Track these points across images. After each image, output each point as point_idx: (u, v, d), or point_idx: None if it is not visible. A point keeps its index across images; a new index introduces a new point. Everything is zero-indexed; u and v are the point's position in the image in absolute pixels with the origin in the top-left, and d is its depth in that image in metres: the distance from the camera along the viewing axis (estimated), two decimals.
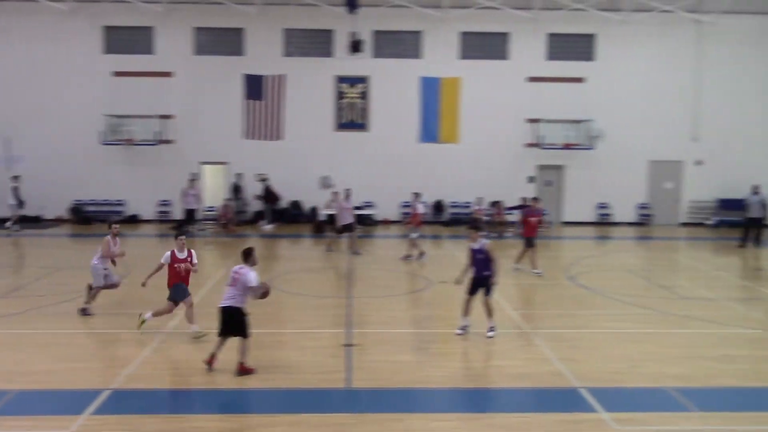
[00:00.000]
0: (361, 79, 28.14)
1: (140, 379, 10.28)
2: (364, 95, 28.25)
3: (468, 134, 26.83)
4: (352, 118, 28.36)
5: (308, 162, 27.93)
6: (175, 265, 12.33)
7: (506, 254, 22.29)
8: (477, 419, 9.13)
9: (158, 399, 9.73)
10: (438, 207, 28.26)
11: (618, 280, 18.15)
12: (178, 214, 26.74)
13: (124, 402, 9.50)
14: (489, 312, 12.69)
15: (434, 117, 27.54)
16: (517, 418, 9.24)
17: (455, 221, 27.92)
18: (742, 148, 28.42)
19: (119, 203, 28.14)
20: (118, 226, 14.27)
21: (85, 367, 10.86)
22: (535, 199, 19.27)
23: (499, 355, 11.77)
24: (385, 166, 27.82)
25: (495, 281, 12.70)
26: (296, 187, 28.02)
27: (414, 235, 20.58)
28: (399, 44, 28.39)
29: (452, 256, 21.26)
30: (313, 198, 27.77)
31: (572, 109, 27.70)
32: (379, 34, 28.00)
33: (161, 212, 28.13)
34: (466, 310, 12.83)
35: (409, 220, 21.44)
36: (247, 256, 10.71)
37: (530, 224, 18.55)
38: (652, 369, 11.13)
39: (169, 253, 12.40)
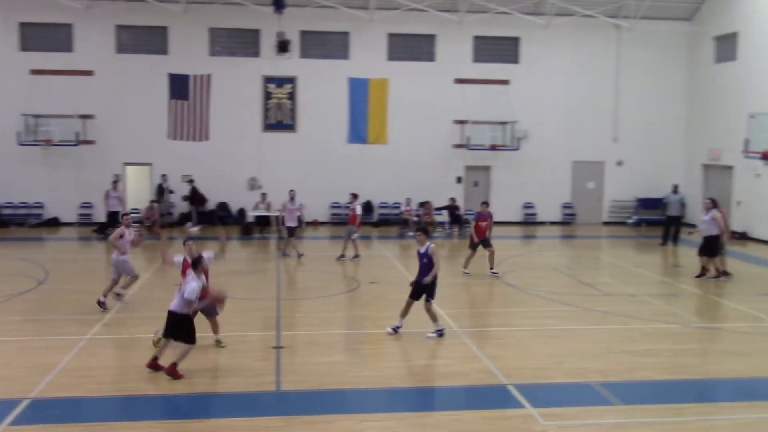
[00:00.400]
0: (289, 80, 27.95)
1: (61, 387, 9.94)
2: (291, 96, 28.07)
3: (396, 135, 26.96)
4: (279, 119, 28.13)
5: (235, 163, 27.56)
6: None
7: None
8: (409, 418, 9.17)
9: (80, 407, 9.42)
10: (367, 208, 28.29)
11: (543, 278, 18.54)
12: (100, 216, 26.01)
13: (43, 411, 9.16)
14: (432, 317, 12.68)
15: (362, 118, 27.58)
16: (447, 416, 9.33)
17: (384, 222, 28.03)
18: (660, 149, 29.41)
19: (38, 206, 27.18)
20: (129, 217, 15.20)
21: (3, 376, 10.44)
22: (484, 203, 19.32)
23: (429, 355, 11.86)
24: (313, 167, 27.70)
25: (428, 282, 12.61)
26: (223, 189, 27.63)
27: (354, 235, 20.60)
28: (327, 45, 28.32)
29: (382, 256, 21.34)
30: (241, 199, 27.43)
31: (498, 111, 28.14)
32: (306, 35, 27.87)
33: (82, 215, 27.31)
34: (405, 312, 12.83)
35: (348, 220, 21.37)
36: (196, 264, 10.56)
37: (481, 228, 18.61)
38: (577, 364, 11.40)
39: (180, 258, 11.86)
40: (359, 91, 27.24)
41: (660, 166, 29.21)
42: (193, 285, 10.24)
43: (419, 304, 12.71)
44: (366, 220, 28.01)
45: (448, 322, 13.60)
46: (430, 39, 28.56)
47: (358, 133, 27.16)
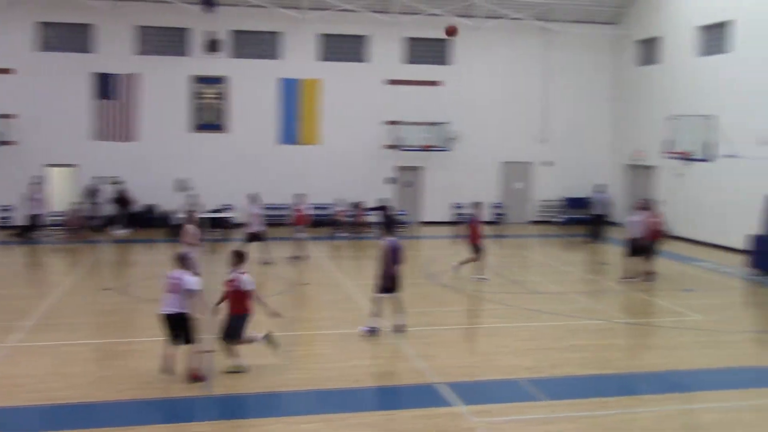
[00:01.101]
0: (219, 80, 27.54)
1: None
2: (221, 96, 27.67)
3: (328, 136, 26.90)
4: (209, 119, 27.70)
5: (164, 164, 27.00)
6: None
7: (367, 254, 22.51)
8: (340, 419, 9.15)
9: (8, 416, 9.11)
10: None
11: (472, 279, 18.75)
12: (21, 219, 25.13)
13: None
14: (375, 313, 12.82)
15: (294, 118, 27.48)
16: (379, 416, 9.35)
17: (316, 223, 27.79)
18: (586, 149, 30.13)
19: None
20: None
21: None
22: (477, 204, 19.24)
23: (360, 355, 11.86)
24: (244, 168, 27.37)
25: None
26: (151, 191, 27.02)
27: (302, 235, 20.43)
28: (257, 45, 28.03)
29: (314, 257, 21.23)
30: (170, 202, 26.86)
31: (430, 112, 28.37)
32: (236, 34, 27.54)
33: (1, 218, 26.34)
34: (378, 311, 12.93)
35: (293, 221, 21.12)
36: (181, 260, 10.54)
37: (476, 231, 18.26)
38: (506, 362, 11.58)
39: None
40: (291, 91, 27.12)
41: (586, 166, 29.92)
42: (191, 277, 10.27)
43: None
44: None
45: (379, 322, 13.61)
46: (362, 40, 28.59)
47: (289, 133, 27.03)
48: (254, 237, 19.77)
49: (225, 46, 26.52)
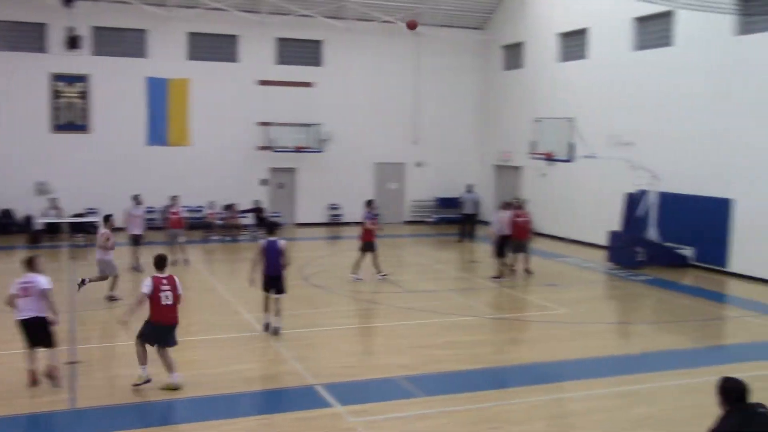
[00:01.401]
0: (81, 78, 26.27)
1: None
2: (84, 95, 26.40)
3: (199, 137, 26.25)
4: (71, 119, 26.36)
5: (21, 166, 25.42)
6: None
7: (241, 257, 22.16)
8: (215, 427, 8.92)
9: None
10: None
11: (349, 277, 18.83)
12: None
13: None
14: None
15: (162, 119, 26.61)
16: (256, 420, 9.22)
17: (188, 226, 27.01)
18: (456, 150, 30.93)
19: None
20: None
21: None
22: (369, 203, 19.22)
23: (235, 360, 11.64)
24: (110, 170, 26.19)
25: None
26: (7, 194, 25.39)
27: (181, 239, 19.80)
28: (122, 42, 26.92)
29: (185, 261, 20.65)
30: (28, 205, 25.33)
31: (302, 113, 28.24)
32: (99, 31, 26.34)
33: None
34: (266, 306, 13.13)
35: (168, 224, 20.38)
36: (31, 263, 10.11)
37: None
38: (382, 360, 11.70)
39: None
40: (158, 91, 26.26)
41: (457, 167, 30.72)
42: (42, 278, 9.92)
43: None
44: (168, 225, 27.01)
45: (255, 326, 13.43)
46: (232, 39, 28.08)
47: (157, 134, 26.15)
48: (136, 240, 19.36)
49: (86, 43, 25.30)
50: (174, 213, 20.32)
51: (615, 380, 10.95)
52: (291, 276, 18.42)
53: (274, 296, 13.00)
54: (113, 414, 9.25)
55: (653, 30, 22.58)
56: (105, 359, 11.48)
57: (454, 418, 9.31)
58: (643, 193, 20.97)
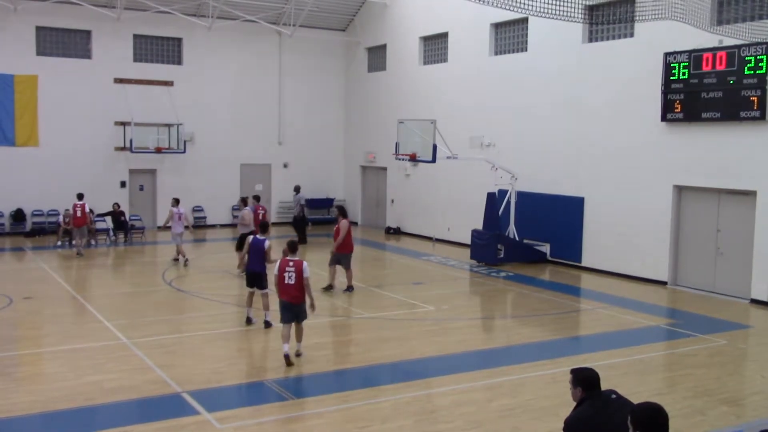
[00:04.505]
0: None
1: None
2: None
3: (51, 137, 24.90)
4: None
5: None
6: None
7: (98, 263, 21.21)
8: None
9: None
10: (18, 216, 25.63)
11: (214, 281, 18.43)
12: None
13: None
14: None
15: (9, 118, 25.11)
16: None
17: (40, 231, 25.56)
18: (322, 151, 30.95)
19: None
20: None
21: None
22: (255, 197, 18.57)
23: (93, 370, 11.06)
24: None
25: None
26: None
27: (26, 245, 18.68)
28: None
29: (38, 269, 19.51)
30: None
31: (163, 113, 27.31)
32: None
33: None
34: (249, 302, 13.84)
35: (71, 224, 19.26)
36: None
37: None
38: (249, 365, 11.50)
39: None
40: (4, 88, 24.74)
41: (323, 168, 30.73)
42: None
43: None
44: (19, 230, 25.44)
45: (115, 334, 12.87)
46: (85, 35, 26.76)
47: (3, 134, 24.61)
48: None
49: None
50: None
51: (481, 374, 11.27)
52: (154, 281, 17.88)
53: (259, 291, 13.73)
54: None
55: (509, 36, 23.51)
56: None
57: (325, 419, 9.28)
58: (503, 192, 21.78)
